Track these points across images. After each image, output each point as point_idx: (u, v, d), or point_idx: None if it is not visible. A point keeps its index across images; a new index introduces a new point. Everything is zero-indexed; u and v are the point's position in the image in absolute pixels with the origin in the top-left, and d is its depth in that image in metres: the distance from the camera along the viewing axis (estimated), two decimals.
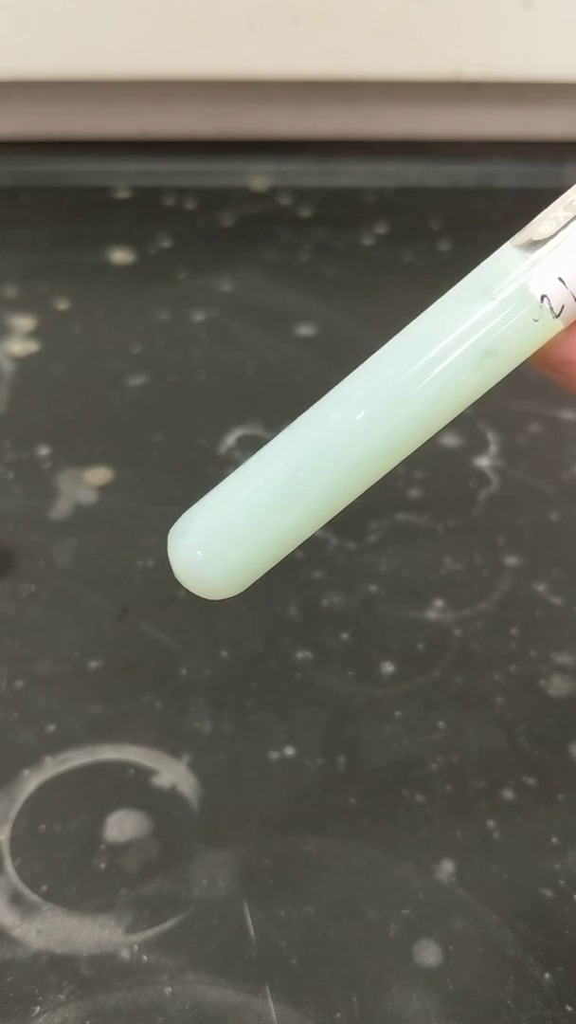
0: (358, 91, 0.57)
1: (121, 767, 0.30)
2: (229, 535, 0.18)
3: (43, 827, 0.28)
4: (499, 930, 0.26)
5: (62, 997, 0.25)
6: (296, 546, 0.19)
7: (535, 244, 0.18)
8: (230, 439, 0.41)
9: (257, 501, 0.18)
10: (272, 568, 0.19)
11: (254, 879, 0.27)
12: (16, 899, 0.27)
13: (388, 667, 0.32)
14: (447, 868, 0.27)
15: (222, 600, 0.19)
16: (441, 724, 0.31)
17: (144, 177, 0.58)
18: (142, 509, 0.38)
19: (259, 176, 0.58)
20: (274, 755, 0.30)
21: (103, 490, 0.39)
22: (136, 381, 0.44)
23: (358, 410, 0.18)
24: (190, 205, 0.56)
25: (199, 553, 0.18)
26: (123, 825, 0.28)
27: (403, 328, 0.19)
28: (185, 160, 0.59)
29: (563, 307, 0.18)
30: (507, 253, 0.19)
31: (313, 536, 0.19)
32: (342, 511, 0.19)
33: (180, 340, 0.46)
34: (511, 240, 0.19)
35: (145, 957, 0.26)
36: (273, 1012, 0.25)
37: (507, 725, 0.31)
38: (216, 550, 0.18)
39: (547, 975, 0.25)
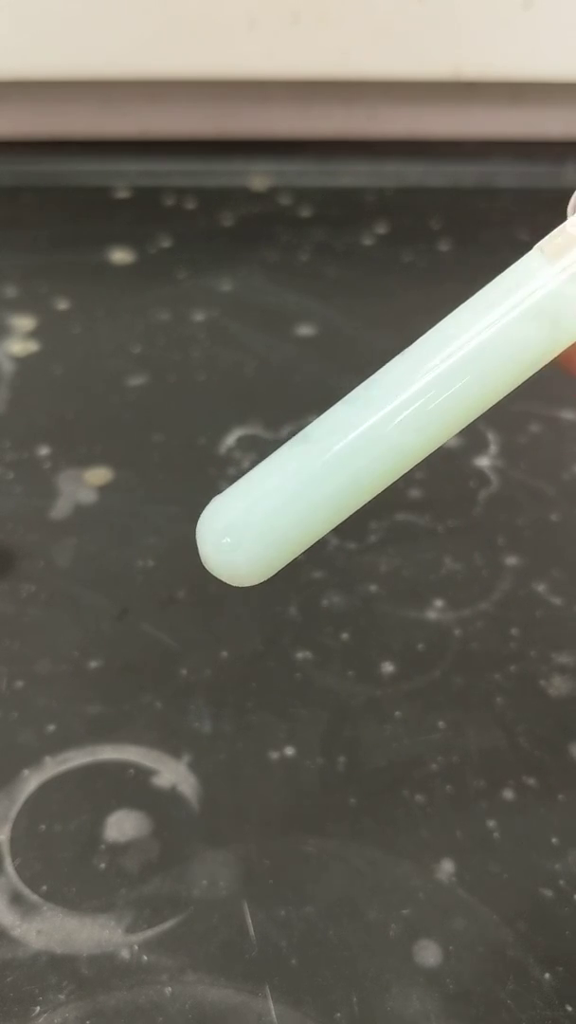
0: (358, 91, 0.57)
1: (121, 767, 0.30)
2: (260, 522, 0.19)
3: (43, 827, 0.28)
4: (499, 930, 0.26)
5: (62, 997, 0.25)
6: (325, 534, 0.19)
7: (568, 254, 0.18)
8: (230, 439, 0.41)
9: (291, 489, 0.19)
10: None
11: (254, 879, 0.27)
12: (16, 899, 0.27)
13: (388, 667, 0.32)
14: (447, 868, 0.27)
15: (241, 589, 0.19)
16: (441, 724, 0.31)
17: (144, 177, 0.58)
18: (142, 509, 0.38)
19: (259, 176, 0.58)
20: (274, 755, 0.30)
21: (103, 490, 0.39)
22: (136, 381, 0.44)
23: (393, 401, 0.19)
24: (190, 205, 0.56)
25: (227, 540, 0.19)
26: (123, 825, 0.28)
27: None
28: (185, 160, 0.59)
29: None
30: (536, 260, 0.19)
31: None
32: None
33: (180, 340, 0.46)
34: (540, 248, 0.19)
35: (145, 957, 0.26)
36: (273, 1012, 0.25)
37: (507, 725, 0.31)
38: (245, 537, 0.19)
39: (547, 975, 0.25)
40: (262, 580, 0.19)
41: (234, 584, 0.19)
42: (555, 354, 0.19)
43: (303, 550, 0.19)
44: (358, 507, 0.19)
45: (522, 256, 0.19)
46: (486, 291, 0.19)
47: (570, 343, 0.19)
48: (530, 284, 0.18)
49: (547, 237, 0.19)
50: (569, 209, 0.19)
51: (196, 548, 0.19)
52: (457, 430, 0.19)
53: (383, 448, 0.19)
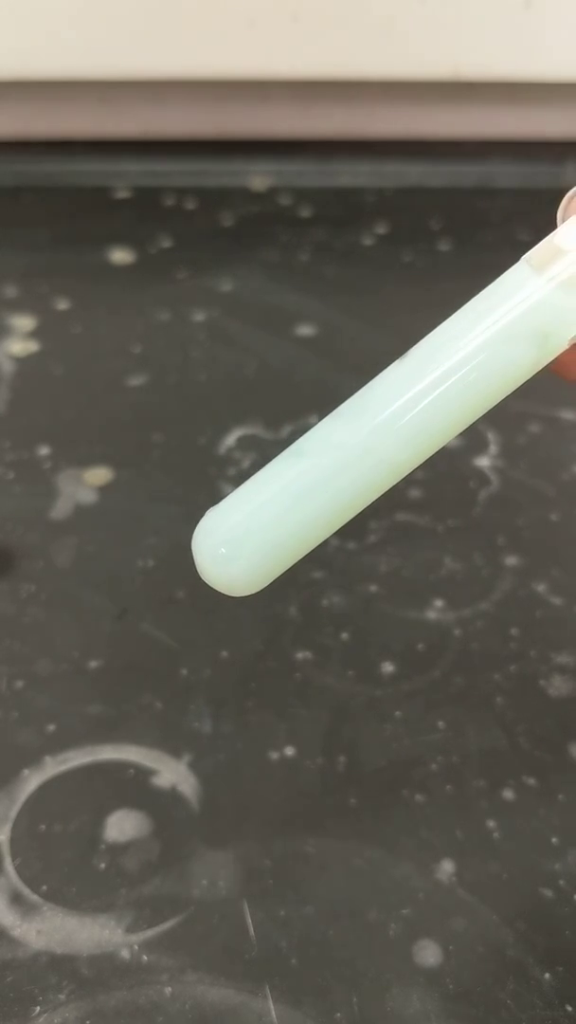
0: (358, 91, 0.57)
1: (121, 767, 0.30)
2: (255, 535, 0.19)
3: (43, 827, 0.28)
4: (499, 930, 0.26)
5: (62, 997, 0.25)
6: (319, 543, 0.19)
7: (560, 266, 0.18)
8: (230, 439, 0.41)
9: (285, 502, 0.19)
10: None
11: (254, 879, 0.27)
12: (16, 899, 0.27)
13: (388, 667, 0.32)
14: (447, 868, 0.27)
15: (239, 598, 0.20)
16: (441, 724, 0.31)
17: (144, 177, 0.58)
18: (142, 509, 0.38)
19: (259, 176, 0.58)
20: (274, 755, 0.30)
21: (103, 490, 0.39)
22: (136, 381, 0.44)
23: (383, 415, 0.19)
24: (190, 205, 0.56)
25: (223, 551, 0.19)
26: (123, 825, 0.28)
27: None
28: (185, 160, 0.59)
29: None
30: (524, 271, 0.19)
31: None
32: None
33: (180, 340, 0.46)
34: (527, 259, 0.19)
35: (145, 957, 0.26)
36: (273, 1012, 0.25)
37: (507, 725, 0.31)
38: (241, 549, 0.19)
39: (547, 975, 0.25)
40: (258, 590, 0.19)
41: (231, 594, 0.19)
42: (544, 364, 0.19)
43: (298, 560, 0.19)
44: (351, 517, 0.19)
45: (516, 262, 0.19)
46: (475, 303, 0.19)
47: (559, 352, 0.19)
48: (519, 295, 0.18)
49: (534, 248, 0.19)
50: (559, 217, 0.19)
51: None
52: (448, 440, 0.19)
53: (374, 462, 0.19)
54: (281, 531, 0.19)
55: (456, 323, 0.19)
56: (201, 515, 0.20)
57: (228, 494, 0.20)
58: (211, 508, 0.20)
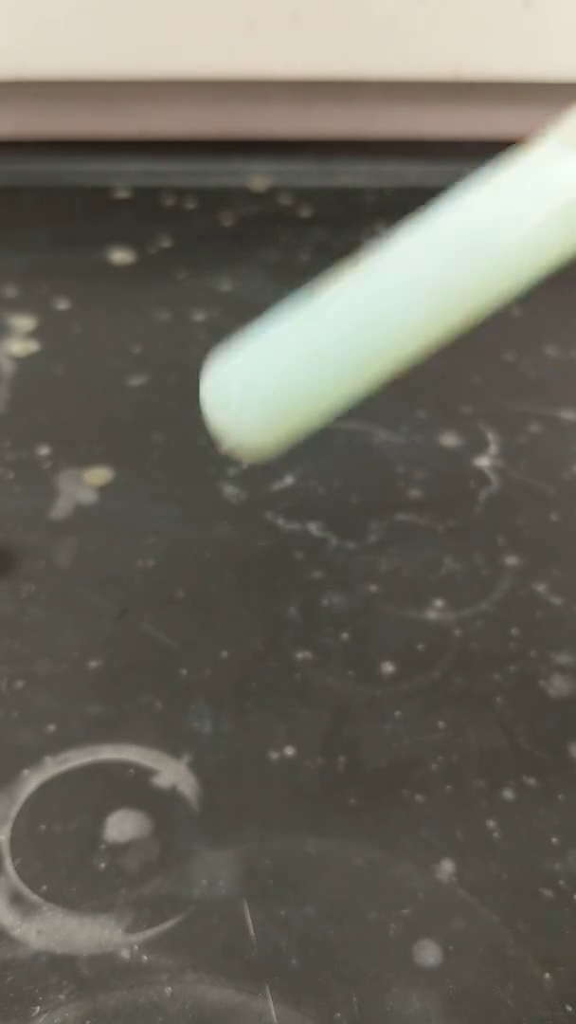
0: (358, 91, 0.57)
1: (121, 767, 0.30)
2: (266, 383, 0.18)
3: (43, 827, 0.28)
4: (499, 930, 0.26)
5: (62, 997, 0.25)
6: (331, 410, 0.18)
7: None
8: None
9: (296, 357, 0.18)
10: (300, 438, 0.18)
11: (254, 879, 0.27)
12: (16, 899, 0.27)
13: (388, 667, 0.32)
14: (447, 868, 0.27)
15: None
16: (441, 724, 0.31)
17: (144, 177, 0.58)
18: (142, 509, 0.38)
19: (259, 176, 0.58)
20: (274, 755, 0.30)
21: (103, 490, 0.39)
22: (136, 381, 0.44)
23: (402, 279, 0.18)
24: (190, 205, 0.56)
25: (235, 400, 0.18)
26: (123, 825, 0.28)
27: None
28: (185, 160, 0.59)
29: None
30: (554, 148, 0.18)
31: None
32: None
33: (180, 340, 0.46)
34: (558, 136, 0.18)
35: (145, 957, 0.26)
36: (273, 1012, 0.25)
37: (507, 725, 0.31)
38: (251, 404, 0.18)
39: (547, 975, 0.25)
40: (268, 452, 0.18)
41: (242, 453, 0.18)
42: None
43: (310, 423, 0.18)
44: (362, 385, 0.18)
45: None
46: (499, 175, 0.18)
47: None
48: (548, 170, 0.17)
49: (564, 125, 0.18)
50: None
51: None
52: (467, 324, 0.18)
53: (390, 322, 0.18)
54: (293, 388, 0.18)
55: (481, 195, 0.18)
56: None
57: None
58: (220, 357, 0.18)
